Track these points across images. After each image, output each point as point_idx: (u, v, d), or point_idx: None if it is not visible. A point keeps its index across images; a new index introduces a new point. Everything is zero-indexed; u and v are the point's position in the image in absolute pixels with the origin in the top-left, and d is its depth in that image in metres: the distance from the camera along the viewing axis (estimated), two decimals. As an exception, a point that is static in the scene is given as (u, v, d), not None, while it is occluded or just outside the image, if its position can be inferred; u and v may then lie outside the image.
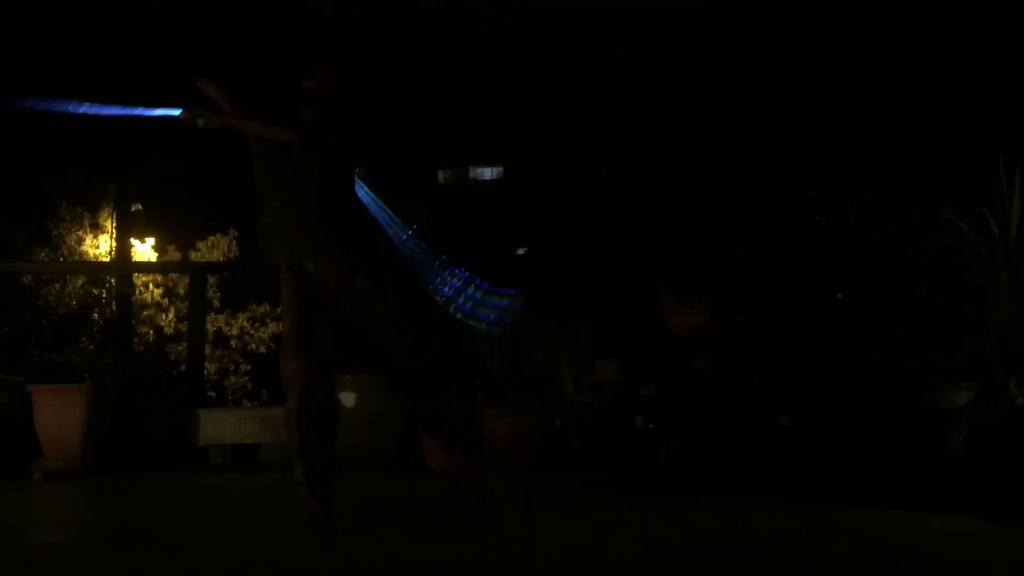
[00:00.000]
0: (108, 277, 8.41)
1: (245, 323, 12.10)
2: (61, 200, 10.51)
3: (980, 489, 4.95)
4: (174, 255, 12.13)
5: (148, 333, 10.91)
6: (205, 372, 8.26)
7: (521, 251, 8.15)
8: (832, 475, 5.33)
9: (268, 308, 12.11)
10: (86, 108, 4.18)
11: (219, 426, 6.21)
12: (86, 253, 10.98)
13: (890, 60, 6.79)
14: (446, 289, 4.82)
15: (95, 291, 9.71)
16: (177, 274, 11.51)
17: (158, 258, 11.91)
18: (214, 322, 11.45)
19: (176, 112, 4.05)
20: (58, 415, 5.67)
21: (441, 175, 12.31)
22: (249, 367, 11.84)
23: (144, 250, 11.66)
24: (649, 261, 7.11)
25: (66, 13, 6.46)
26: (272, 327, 12.38)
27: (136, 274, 9.60)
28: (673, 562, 3.56)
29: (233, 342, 11.89)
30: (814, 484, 5.17)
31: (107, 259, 9.95)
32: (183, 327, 10.33)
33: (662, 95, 7.05)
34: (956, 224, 5.55)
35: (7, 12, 6.33)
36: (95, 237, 11.19)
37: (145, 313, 11.11)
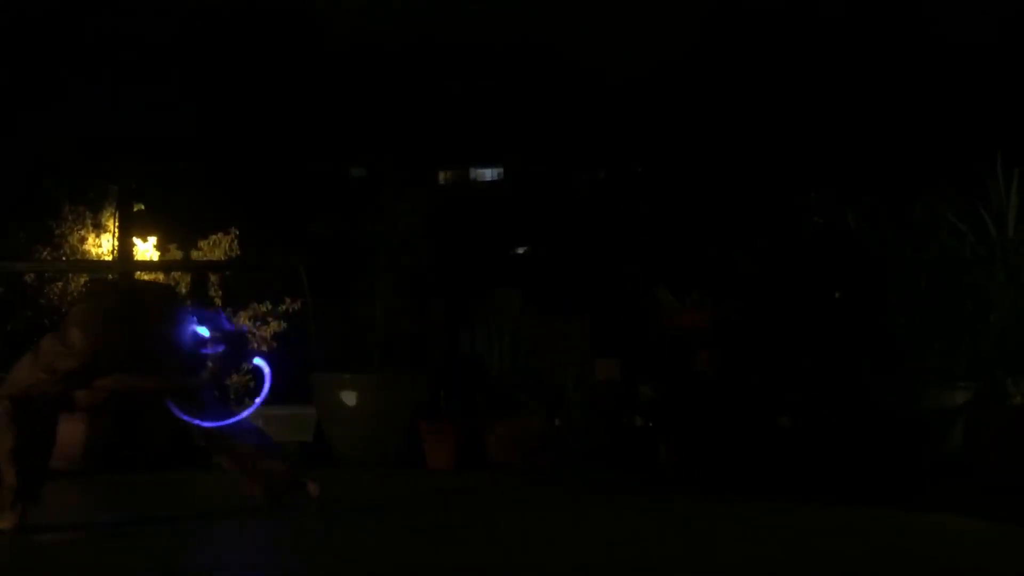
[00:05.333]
0: (110, 276, 8.42)
1: (247, 322, 12.09)
2: (64, 200, 10.51)
3: (980, 489, 4.95)
4: (176, 254, 12.11)
5: (149, 332, 10.88)
6: (206, 371, 8.24)
7: (521, 251, 8.18)
8: (832, 475, 5.33)
9: (270, 307, 12.13)
10: None
11: (220, 426, 6.20)
12: (88, 252, 10.95)
13: (890, 59, 6.79)
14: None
15: (97, 290, 9.69)
16: (179, 273, 11.50)
17: (160, 257, 11.89)
18: (215, 321, 11.42)
19: None
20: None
21: (441, 175, 12.32)
22: (250, 366, 11.81)
23: (146, 249, 11.65)
24: (649, 261, 7.11)
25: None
26: (274, 325, 12.41)
27: (138, 273, 9.59)
28: (673, 562, 3.57)
29: (235, 341, 11.85)
30: (814, 484, 5.17)
31: (109, 258, 9.96)
32: (184, 326, 10.30)
33: (662, 95, 7.05)
34: (955, 224, 5.55)
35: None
36: (97, 236, 11.17)
37: (146, 312, 11.11)
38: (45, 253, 7.49)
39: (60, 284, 7.16)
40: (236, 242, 8.71)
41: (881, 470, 5.30)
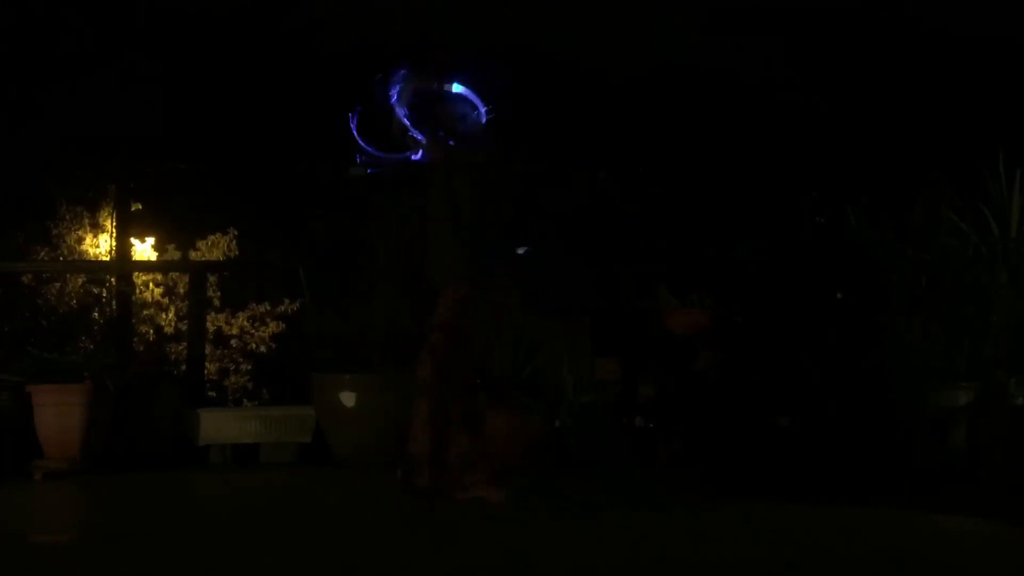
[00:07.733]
0: (108, 276, 8.42)
1: (245, 322, 12.11)
2: (61, 200, 10.51)
3: (980, 489, 4.95)
4: (174, 254, 12.14)
5: (148, 332, 10.92)
6: (205, 372, 8.26)
7: (521, 251, 8.13)
8: (832, 475, 5.33)
9: (268, 307, 12.15)
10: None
11: (219, 426, 6.21)
12: (86, 252, 10.97)
13: (890, 56, 6.79)
14: None
15: (95, 290, 9.70)
16: (177, 273, 11.51)
17: (158, 257, 11.91)
18: (214, 321, 11.45)
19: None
20: (58, 415, 5.66)
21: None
22: (249, 366, 11.84)
23: (144, 249, 11.67)
24: (649, 261, 7.10)
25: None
26: (272, 326, 12.41)
27: (136, 273, 9.60)
28: (674, 562, 3.57)
29: (233, 341, 11.89)
30: (814, 484, 5.17)
31: (107, 258, 9.95)
32: (183, 326, 10.33)
33: (662, 95, 7.05)
34: (956, 224, 5.55)
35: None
36: (95, 236, 11.19)
37: (145, 312, 11.12)
38: (43, 253, 7.49)
39: (58, 284, 7.15)
40: (235, 242, 8.71)
41: (881, 470, 5.29)
